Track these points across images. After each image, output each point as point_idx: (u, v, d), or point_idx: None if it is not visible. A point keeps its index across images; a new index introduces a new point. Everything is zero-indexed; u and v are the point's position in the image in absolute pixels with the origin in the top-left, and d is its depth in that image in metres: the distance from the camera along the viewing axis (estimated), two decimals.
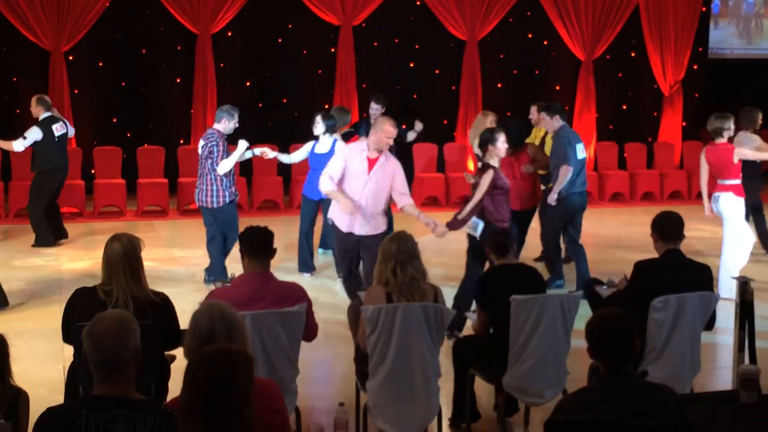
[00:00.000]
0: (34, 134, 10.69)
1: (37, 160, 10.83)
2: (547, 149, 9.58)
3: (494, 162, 7.43)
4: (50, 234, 10.92)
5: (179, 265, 9.66)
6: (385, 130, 7.22)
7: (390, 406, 5.00)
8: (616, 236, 12.02)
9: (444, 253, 10.10)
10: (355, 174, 7.30)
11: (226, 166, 8.68)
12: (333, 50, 15.10)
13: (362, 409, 5.22)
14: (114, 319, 3.37)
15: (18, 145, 10.69)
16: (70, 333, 4.72)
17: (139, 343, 3.38)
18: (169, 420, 3.23)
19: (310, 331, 5.05)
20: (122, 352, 3.29)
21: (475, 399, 5.65)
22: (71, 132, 11.54)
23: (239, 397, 2.97)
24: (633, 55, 16.71)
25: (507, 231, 6.30)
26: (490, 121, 9.82)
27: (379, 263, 5.14)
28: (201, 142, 8.88)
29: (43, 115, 10.81)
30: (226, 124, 8.86)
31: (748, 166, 9.50)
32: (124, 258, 4.77)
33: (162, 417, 3.24)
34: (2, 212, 12.67)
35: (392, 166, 7.36)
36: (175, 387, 4.75)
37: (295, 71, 15.26)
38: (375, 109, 10.76)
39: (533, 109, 10.42)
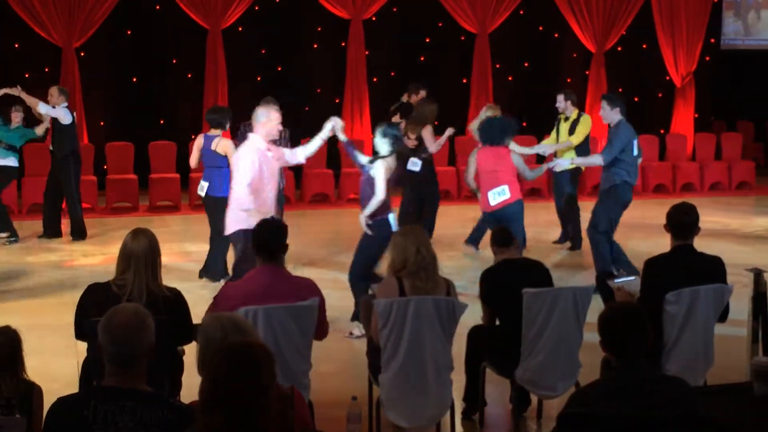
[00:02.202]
0: (63, 113, 10.80)
1: (66, 143, 10.90)
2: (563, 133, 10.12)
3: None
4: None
5: (191, 260, 9.68)
6: (274, 118, 7.06)
7: (403, 400, 5.01)
8: (628, 228, 11.96)
9: (455, 246, 10.10)
10: (272, 175, 7.06)
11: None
12: (343, 44, 15.09)
13: (375, 402, 5.23)
14: (130, 313, 3.39)
15: (43, 108, 10.73)
16: (83, 329, 4.73)
17: (153, 338, 3.40)
18: (177, 412, 3.26)
19: (320, 329, 5.05)
20: (137, 346, 3.32)
21: (484, 388, 5.65)
22: None
23: (260, 391, 2.98)
24: (644, 46, 16.65)
25: (507, 226, 6.24)
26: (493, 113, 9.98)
27: (396, 251, 5.13)
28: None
29: (63, 104, 10.87)
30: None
31: None
32: (150, 254, 4.79)
33: (170, 409, 3.27)
34: (15, 208, 12.72)
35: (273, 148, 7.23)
36: (188, 382, 4.78)
37: (306, 65, 15.27)
38: (422, 94, 11.09)
39: (560, 98, 10.56)
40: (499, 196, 8.48)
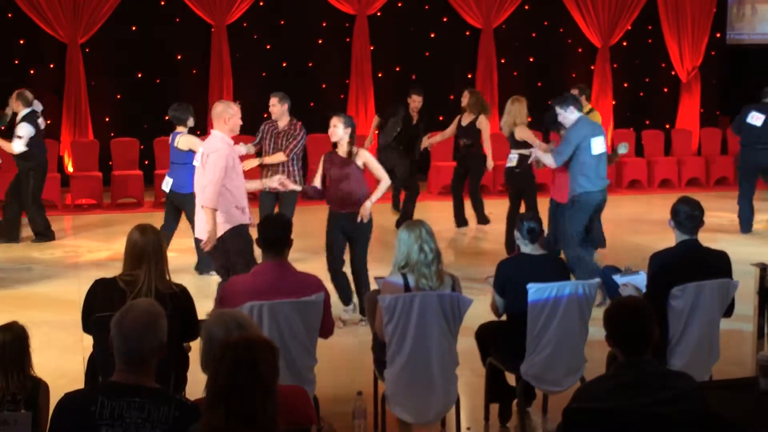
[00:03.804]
0: (27, 130, 10.26)
1: (29, 156, 10.37)
2: None
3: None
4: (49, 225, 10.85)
5: (196, 256, 9.68)
6: (236, 113, 6.92)
7: (408, 395, 5.01)
8: (633, 223, 11.97)
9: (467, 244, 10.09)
10: (240, 171, 6.93)
11: None
12: (348, 40, 15.08)
13: (380, 398, 5.23)
14: (144, 312, 3.40)
15: (18, 146, 10.21)
16: (89, 324, 4.75)
17: (165, 336, 3.42)
18: (184, 410, 3.27)
19: (326, 326, 5.05)
20: (148, 345, 3.34)
21: (504, 377, 5.63)
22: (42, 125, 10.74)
23: (263, 387, 2.98)
24: (650, 41, 16.60)
25: (538, 216, 5.90)
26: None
27: (400, 247, 5.12)
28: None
29: (24, 111, 10.39)
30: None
31: None
32: (157, 249, 4.80)
33: (177, 406, 3.28)
34: None
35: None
36: (193, 378, 4.79)
37: (310, 61, 15.26)
38: (418, 101, 11.13)
39: (574, 93, 10.47)
40: None
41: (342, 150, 7.38)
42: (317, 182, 7.56)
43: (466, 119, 10.92)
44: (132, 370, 3.33)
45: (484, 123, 10.77)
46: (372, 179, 7.54)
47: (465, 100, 10.99)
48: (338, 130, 7.34)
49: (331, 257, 7.49)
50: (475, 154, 10.86)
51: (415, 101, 11.10)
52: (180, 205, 9.05)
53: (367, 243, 7.48)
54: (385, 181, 7.39)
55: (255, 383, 2.97)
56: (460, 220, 11.28)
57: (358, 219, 7.24)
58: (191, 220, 8.65)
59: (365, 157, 7.37)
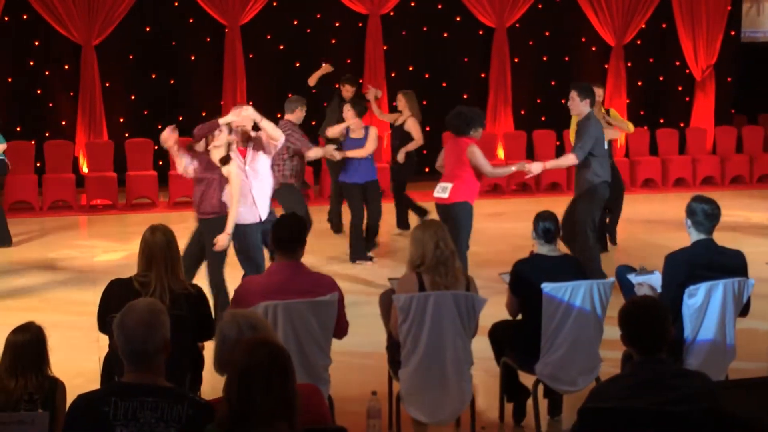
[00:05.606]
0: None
1: None
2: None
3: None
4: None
5: None
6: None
7: (422, 395, 5.02)
8: (648, 222, 11.94)
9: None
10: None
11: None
12: (361, 40, 15.09)
13: (395, 397, 5.23)
14: (144, 311, 3.41)
15: None
16: (105, 323, 4.77)
17: (168, 333, 3.42)
18: (198, 407, 3.28)
19: (340, 326, 5.06)
20: (150, 344, 3.34)
21: (518, 376, 5.63)
22: None
23: (270, 388, 2.99)
24: (664, 39, 16.54)
25: (554, 215, 5.78)
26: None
27: (415, 246, 5.12)
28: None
29: None
30: (300, 114, 9.37)
31: None
32: (165, 250, 4.81)
33: (190, 404, 3.29)
34: (37, 205, 12.82)
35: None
36: (209, 377, 4.80)
37: (324, 61, 15.27)
38: (351, 91, 11.29)
39: (600, 92, 10.20)
40: (440, 191, 7.92)
41: (217, 154, 7.19)
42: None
43: (399, 121, 11.02)
44: (140, 369, 3.34)
45: (411, 125, 10.79)
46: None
47: (400, 103, 11.03)
48: (221, 135, 7.14)
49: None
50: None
51: (348, 91, 11.19)
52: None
53: (216, 257, 7.11)
54: (233, 209, 7.14)
55: (269, 380, 2.98)
56: (400, 221, 11.09)
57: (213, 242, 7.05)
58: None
59: (228, 174, 7.15)
